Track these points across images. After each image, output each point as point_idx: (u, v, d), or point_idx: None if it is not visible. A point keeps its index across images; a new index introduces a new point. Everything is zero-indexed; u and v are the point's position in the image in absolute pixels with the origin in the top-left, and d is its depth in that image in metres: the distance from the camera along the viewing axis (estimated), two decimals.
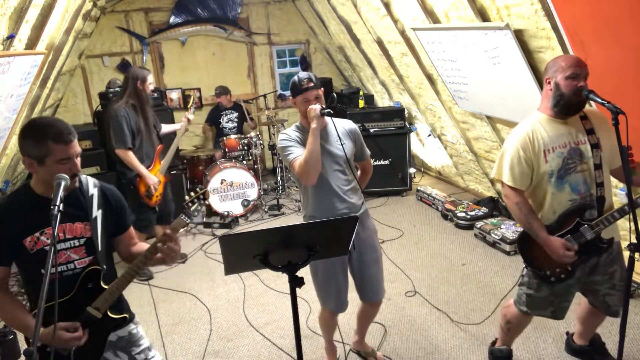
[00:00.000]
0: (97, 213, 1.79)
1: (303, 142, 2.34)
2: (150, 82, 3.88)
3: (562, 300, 2.27)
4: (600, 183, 2.13)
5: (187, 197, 1.84)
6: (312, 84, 2.29)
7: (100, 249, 1.77)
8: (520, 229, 2.43)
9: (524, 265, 2.30)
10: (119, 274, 1.86)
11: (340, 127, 2.42)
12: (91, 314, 1.73)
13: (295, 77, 2.33)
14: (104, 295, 1.74)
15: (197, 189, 1.88)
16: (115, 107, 3.76)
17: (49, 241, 1.70)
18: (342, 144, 2.36)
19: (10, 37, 2.64)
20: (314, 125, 2.24)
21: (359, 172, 2.62)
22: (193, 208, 1.83)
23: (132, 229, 1.98)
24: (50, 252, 1.40)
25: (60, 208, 1.46)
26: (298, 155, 2.29)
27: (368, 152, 2.62)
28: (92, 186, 1.82)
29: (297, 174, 2.30)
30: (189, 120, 4.25)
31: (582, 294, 2.39)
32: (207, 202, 1.87)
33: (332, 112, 2.29)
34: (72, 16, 3.85)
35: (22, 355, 2.20)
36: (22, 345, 3.03)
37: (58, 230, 1.70)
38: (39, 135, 1.61)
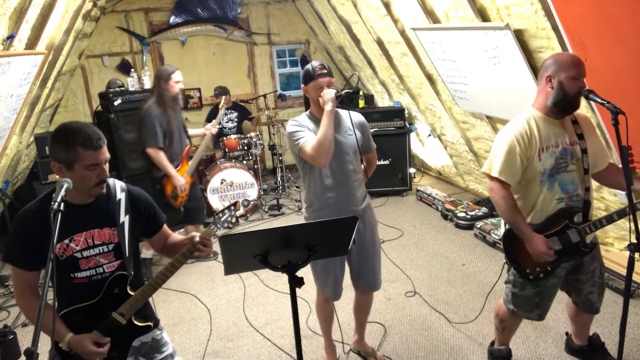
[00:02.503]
0: (124, 218, 1.77)
1: (314, 131, 2.33)
2: (177, 81, 3.78)
3: (547, 301, 2.30)
4: (587, 187, 2.16)
5: (218, 207, 1.85)
6: (325, 71, 2.32)
7: (127, 254, 1.76)
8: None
9: (504, 261, 2.32)
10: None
11: (350, 118, 2.43)
12: (116, 319, 1.72)
13: (309, 65, 2.35)
14: (129, 302, 1.74)
15: (228, 200, 1.88)
16: (146, 106, 3.74)
17: (78, 247, 1.70)
18: (352, 133, 2.37)
19: (10, 37, 2.64)
20: (328, 107, 2.23)
21: (363, 165, 2.62)
22: (223, 219, 1.83)
23: (165, 227, 1.97)
24: (49, 258, 1.37)
25: (61, 207, 1.44)
26: (308, 139, 2.28)
27: (374, 144, 2.63)
28: (119, 190, 1.80)
29: (309, 157, 2.27)
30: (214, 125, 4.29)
31: (566, 292, 2.42)
32: (238, 213, 1.87)
33: (350, 91, 2.29)
34: (72, 16, 3.85)
35: (23, 355, 2.20)
36: (23, 346, 3.03)
37: (87, 236, 1.71)
38: (68, 140, 1.60)
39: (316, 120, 2.36)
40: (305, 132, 2.32)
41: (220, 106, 4.71)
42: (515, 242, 2.21)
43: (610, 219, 2.08)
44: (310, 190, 2.45)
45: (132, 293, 1.76)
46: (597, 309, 2.36)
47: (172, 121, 3.77)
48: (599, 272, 2.30)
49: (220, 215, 1.84)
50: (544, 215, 2.17)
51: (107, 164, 1.70)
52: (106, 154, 1.67)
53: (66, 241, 1.68)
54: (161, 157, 3.71)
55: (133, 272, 1.79)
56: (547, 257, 2.11)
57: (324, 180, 2.38)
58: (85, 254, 1.71)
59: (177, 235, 1.98)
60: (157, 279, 1.76)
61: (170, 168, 3.77)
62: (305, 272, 1.88)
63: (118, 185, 1.82)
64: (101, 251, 1.74)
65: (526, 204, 2.20)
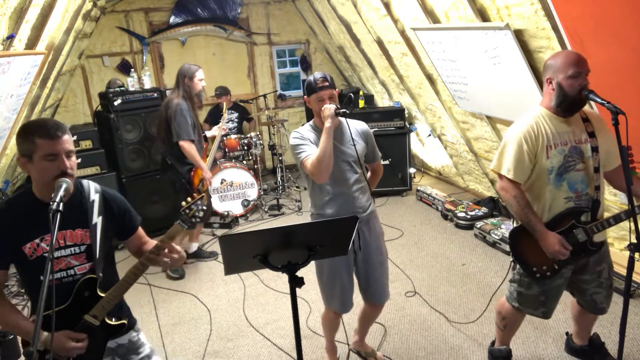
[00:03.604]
0: (97, 220, 1.76)
1: (316, 142, 2.35)
2: (201, 79, 3.93)
3: (553, 301, 2.29)
4: (597, 186, 2.15)
5: (183, 203, 1.81)
6: (326, 83, 2.33)
7: (98, 256, 1.75)
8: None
9: (511, 260, 2.32)
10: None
11: (353, 127, 2.43)
12: (88, 321, 1.72)
13: (311, 77, 2.37)
14: (101, 303, 1.73)
15: (194, 194, 1.85)
16: (175, 102, 3.83)
17: (49, 248, 1.68)
18: (354, 144, 2.37)
19: (10, 37, 2.64)
20: (327, 124, 2.25)
21: (369, 174, 2.62)
22: (191, 214, 1.79)
23: (140, 230, 1.96)
24: (49, 257, 1.36)
25: (60, 208, 1.44)
26: (310, 154, 2.30)
27: (379, 154, 2.63)
28: (93, 192, 1.80)
29: (309, 172, 2.31)
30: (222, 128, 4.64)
31: (570, 293, 2.41)
32: (204, 208, 1.82)
33: (347, 112, 2.29)
34: (72, 16, 3.85)
35: (22, 356, 2.20)
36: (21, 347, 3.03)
37: (58, 237, 1.69)
38: (26, 132, 1.61)
39: (319, 130, 2.37)
40: (307, 146, 2.34)
41: (223, 111, 4.84)
42: (522, 240, 2.21)
43: (618, 218, 2.06)
44: (316, 198, 2.46)
45: (102, 295, 1.74)
46: (603, 309, 2.34)
47: (197, 117, 3.98)
48: (607, 274, 2.28)
49: (187, 210, 1.79)
50: (552, 214, 2.16)
51: (73, 158, 1.66)
52: (66, 145, 1.62)
53: (37, 240, 1.67)
54: (194, 150, 3.83)
55: (106, 273, 1.78)
56: (562, 255, 2.11)
57: (326, 188, 2.39)
58: (57, 254, 1.70)
59: (153, 241, 1.95)
60: (127, 278, 1.74)
61: (200, 160, 3.89)
62: (305, 272, 1.87)
63: (92, 187, 1.81)
64: (72, 252, 1.73)
65: (534, 203, 2.19)
